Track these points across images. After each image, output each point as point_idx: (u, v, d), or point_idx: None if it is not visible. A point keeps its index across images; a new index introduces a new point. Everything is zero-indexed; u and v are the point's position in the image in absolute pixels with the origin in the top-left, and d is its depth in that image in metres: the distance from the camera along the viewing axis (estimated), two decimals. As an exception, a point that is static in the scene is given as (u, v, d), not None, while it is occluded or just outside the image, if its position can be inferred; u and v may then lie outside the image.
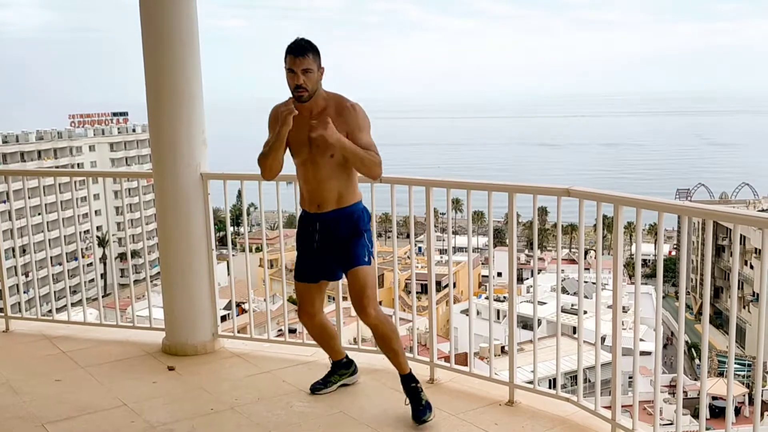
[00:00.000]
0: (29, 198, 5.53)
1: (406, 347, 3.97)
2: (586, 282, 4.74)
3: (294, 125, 3.57)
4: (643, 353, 4.10)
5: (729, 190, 67.96)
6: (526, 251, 47.45)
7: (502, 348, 20.51)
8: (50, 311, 5.67)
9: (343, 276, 3.80)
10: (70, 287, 5.88)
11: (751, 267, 45.08)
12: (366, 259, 3.69)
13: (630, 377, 4.06)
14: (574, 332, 4.67)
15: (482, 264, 43.95)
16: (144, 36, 4.63)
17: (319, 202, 3.68)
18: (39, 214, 5.53)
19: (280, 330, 5.35)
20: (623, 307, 3.83)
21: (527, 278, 43.76)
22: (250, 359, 4.77)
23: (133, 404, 4.05)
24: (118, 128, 74.97)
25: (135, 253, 35.47)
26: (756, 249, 43.32)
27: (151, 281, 5.70)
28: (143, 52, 4.65)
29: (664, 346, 42.64)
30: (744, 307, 45.58)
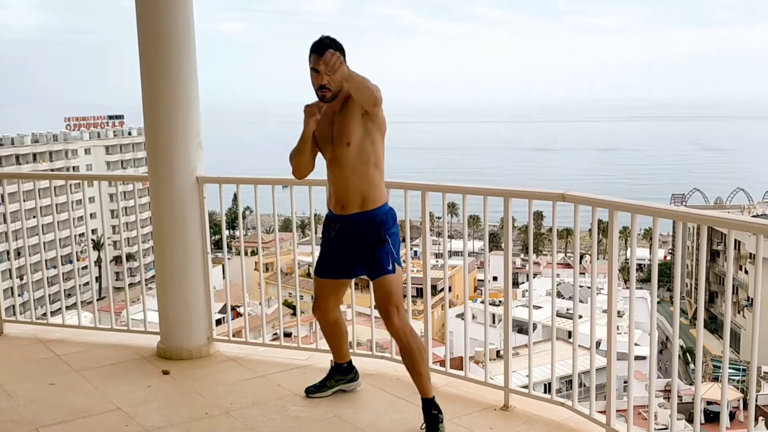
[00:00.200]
0: (24, 201, 5.52)
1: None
2: (581, 286, 4.73)
3: (319, 122, 3.63)
4: (638, 358, 4.12)
5: (724, 195, 68.17)
6: (522, 255, 47.45)
7: (498, 352, 20.49)
8: (45, 314, 5.66)
9: (362, 274, 3.78)
10: (64, 290, 5.85)
11: (746, 272, 45.21)
12: (390, 267, 3.64)
13: (625, 382, 4.07)
14: (569, 337, 4.66)
15: (478, 268, 43.98)
16: (140, 38, 4.61)
17: (343, 203, 3.68)
18: (34, 217, 5.54)
19: (276, 334, 5.34)
20: (618, 312, 3.83)
21: (523, 282, 43.86)
22: (245, 363, 4.76)
23: (128, 408, 4.04)
24: (114, 131, 74.83)
25: (130, 257, 35.37)
26: (750, 254, 43.49)
27: (146, 285, 5.68)
28: (139, 55, 4.64)
29: (659, 351, 42.67)
30: (738, 312, 45.69)
